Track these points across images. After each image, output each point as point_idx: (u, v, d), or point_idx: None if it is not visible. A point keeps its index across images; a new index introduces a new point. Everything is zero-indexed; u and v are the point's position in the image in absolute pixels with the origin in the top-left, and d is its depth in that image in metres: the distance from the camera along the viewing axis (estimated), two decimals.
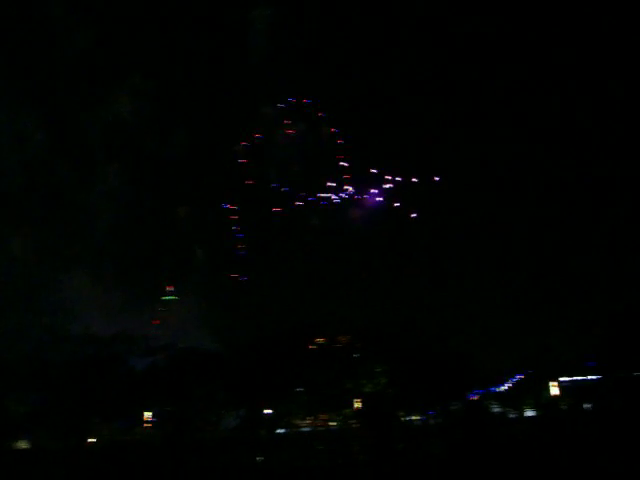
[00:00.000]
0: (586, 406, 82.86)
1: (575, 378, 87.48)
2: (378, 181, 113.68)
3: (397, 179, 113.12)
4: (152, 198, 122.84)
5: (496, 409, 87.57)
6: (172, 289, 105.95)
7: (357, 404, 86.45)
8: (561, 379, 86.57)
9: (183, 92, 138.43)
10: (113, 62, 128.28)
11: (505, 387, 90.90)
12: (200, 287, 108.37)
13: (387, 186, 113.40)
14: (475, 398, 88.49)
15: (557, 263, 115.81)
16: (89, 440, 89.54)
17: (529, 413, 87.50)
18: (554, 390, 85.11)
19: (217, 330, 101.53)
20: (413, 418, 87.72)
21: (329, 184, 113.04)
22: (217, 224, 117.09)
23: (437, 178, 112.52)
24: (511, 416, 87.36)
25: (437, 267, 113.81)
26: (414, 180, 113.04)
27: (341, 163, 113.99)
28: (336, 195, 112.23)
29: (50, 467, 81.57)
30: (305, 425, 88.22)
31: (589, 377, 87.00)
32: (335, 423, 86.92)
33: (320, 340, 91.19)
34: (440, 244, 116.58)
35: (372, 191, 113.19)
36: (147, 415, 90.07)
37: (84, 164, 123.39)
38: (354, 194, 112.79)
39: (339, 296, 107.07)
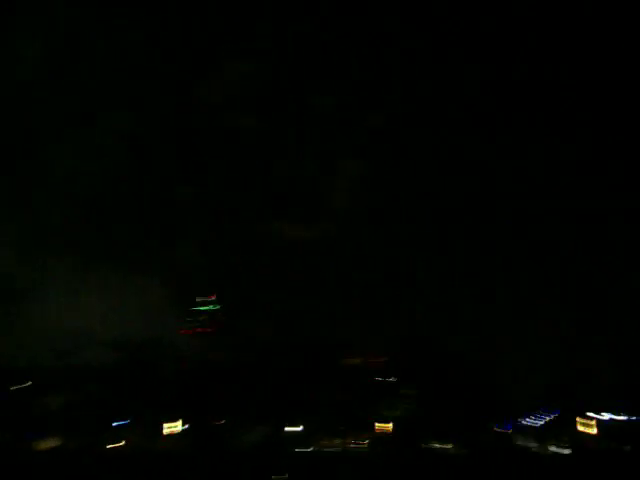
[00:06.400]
0: (625, 448, 79.58)
1: (613, 417, 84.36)
2: None
3: None
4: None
5: (528, 444, 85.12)
6: (214, 298, 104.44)
7: (386, 427, 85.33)
8: (598, 417, 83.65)
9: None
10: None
11: (538, 422, 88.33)
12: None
13: None
14: (505, 431, 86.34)
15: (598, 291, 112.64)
16: (117, 444, 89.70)
17: (564, 451, 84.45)
18: (590, 429, 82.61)
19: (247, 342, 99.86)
20: (441, 446, 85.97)
21: None
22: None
23: None
24: (543, 452, 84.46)
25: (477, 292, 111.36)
26: None
27: None
28: None
29: (76, 467, 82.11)
30: (333, 445, 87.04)
31: (631, 417, 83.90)
32: (363, 444, 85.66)
33: (353, 360, 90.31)
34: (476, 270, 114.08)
35: None
36: (174, 423, 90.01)
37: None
38: None
39: (373, 317, 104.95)
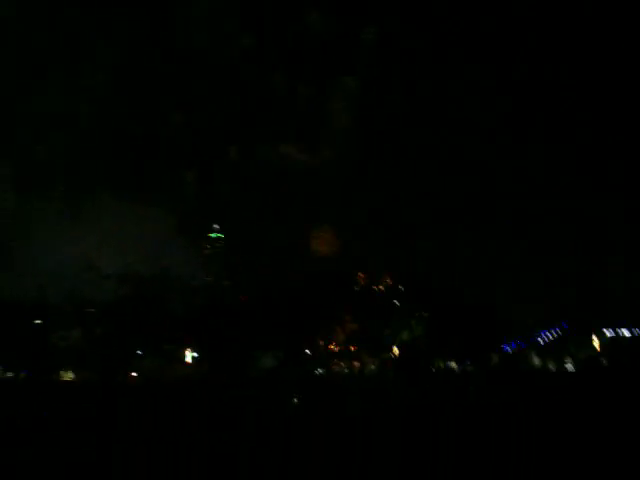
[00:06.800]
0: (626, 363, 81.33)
1: (622, 330, 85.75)
2: None
3: None
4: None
5: (535, 362, 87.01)
6: (218, 227, 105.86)
7: (394, 350, 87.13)
8: (606, 331, 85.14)
9: None
10: None
11: (545, 339, 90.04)
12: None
13: None
14: (514, 348, 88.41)
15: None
16: (130, 374, 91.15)
17: (569, 366, 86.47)
18: (596, 344, 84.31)
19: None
20: (451, 365, 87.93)
21: None
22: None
23: None
24: (551, 368, 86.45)
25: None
26: None
27: None
28: None
29: (90, 399, 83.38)
30: (342, 367, 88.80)
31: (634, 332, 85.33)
32: (372, 367, 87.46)
33: (362, 280, 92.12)
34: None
35: None
36: (186, 353, 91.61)
37: None
38: None
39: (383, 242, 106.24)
